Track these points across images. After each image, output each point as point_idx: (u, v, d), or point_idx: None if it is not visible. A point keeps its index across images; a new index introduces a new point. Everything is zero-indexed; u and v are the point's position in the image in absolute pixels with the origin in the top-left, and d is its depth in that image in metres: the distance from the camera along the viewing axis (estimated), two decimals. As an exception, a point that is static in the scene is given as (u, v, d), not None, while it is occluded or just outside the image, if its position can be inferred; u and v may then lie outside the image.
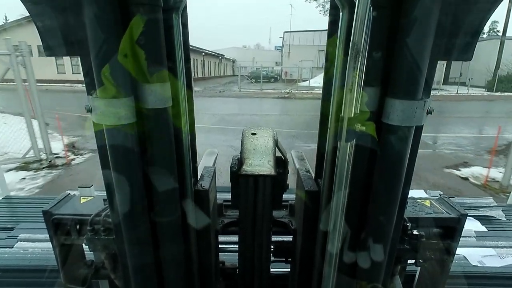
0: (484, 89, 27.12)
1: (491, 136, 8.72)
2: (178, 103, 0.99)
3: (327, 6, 30.93)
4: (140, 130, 0.88)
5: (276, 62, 41.41)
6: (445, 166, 6.66)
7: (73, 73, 27.14)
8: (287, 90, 22.14)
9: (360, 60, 0.72)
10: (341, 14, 0.89)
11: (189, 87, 1.11)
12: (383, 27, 0.80)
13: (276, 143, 1.36)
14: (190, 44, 1.13)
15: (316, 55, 34.09)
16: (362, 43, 0.71)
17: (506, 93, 24.00)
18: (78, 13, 0.75)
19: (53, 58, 25.48)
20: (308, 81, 26.25)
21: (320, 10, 33.82)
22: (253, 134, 1.39)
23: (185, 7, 1.00)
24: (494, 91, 24.74)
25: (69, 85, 24.77)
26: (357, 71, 0.73)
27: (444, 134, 9.59)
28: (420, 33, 0.74)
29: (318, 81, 26.87)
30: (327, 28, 1.06)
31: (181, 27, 0.97)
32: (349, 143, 0.83)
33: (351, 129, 0.79)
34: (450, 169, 6.50)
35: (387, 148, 0.87)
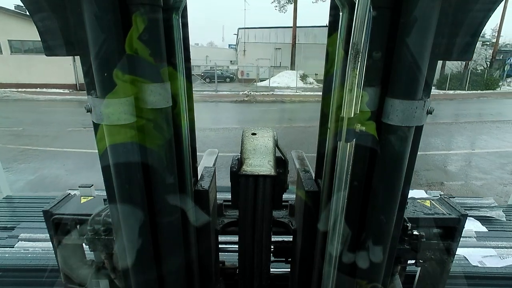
0: (434, 87, 27.28)
1: (506, 151, 7.68)
2: (178, 103, 0.99)
3: (283, 1, 29.56)
4: (140, 130, 0.88)
5: (231, 61, 38.79)
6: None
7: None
8: (246, 92, 19.31)
9: (360, 60, 0.72)
10: (341, 14, 0.89)
11: (189, 87, 1.11)
12: (383, 27, 0.80)
13: (276, 143, 1.36)
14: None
15: (273, 53, 31.84)
16: (362, 43, 0.71)
17: (458, 91, 23.94)
18: (78, 13, 0.75)
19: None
20: (267, 81, 23.26)
21: (276, 6, 30.86)
22: (253, 134, 1.39)
23: (185, 7, 1.00)
24: (447, 89, 24.66)
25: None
26: (357, 71, 0.73)
27: (453, 151, 7.90)
28: (420, 33, 0.74)
29: (277, 81, 24.98)
30: (327, 28, 1.06)
31: (181, 27, 0.97)
32: (349, 143, 0.83)
33: (351, 129, 0.79)
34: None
35: (387, 148, 0.87)
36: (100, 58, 0.76)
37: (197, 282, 1.28)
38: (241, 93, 19.59)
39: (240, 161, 1.24)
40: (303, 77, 26.23)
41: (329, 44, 1.04)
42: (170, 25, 0.91)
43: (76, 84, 20.18)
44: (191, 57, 1.12)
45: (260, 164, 1.21)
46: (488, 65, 27.02)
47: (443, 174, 6.10)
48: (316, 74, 27.44)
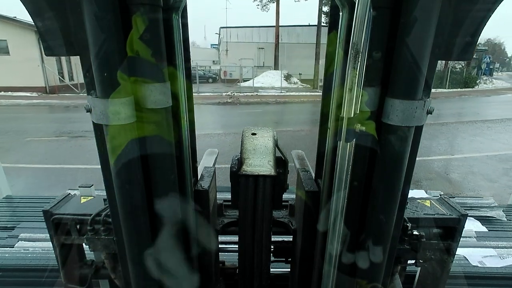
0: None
1: (505, 155, 7.37)
2: (178, 103, 0.99)
3: (265, 0, 28.57)
4: (140, 130, 0.88)
5: (214, 61, 37.88)
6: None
7: None
8: (229, 93, 18.53)
9: (360, 60, 0.72)
10: (341, 14, 0.89)
11: (189, 87, 1.12)
12: (383, 27, 0.80)
13: (276, 143, 1.36)
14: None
15: (256, 53, 31.17)
16: (362, 43, 0.71)
17: (440, 90, 23.80)
18: (78, 13, 0.75)
19: None
20: (251, 81, 22.58)
21: (258, 5, 29.91)
22: (253, 134, 1.39)
23: (185, 7, 1.00)
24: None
25: None
26: (357, 71, 0.73)
27: (451, 155, 7.39)
28: (420, 33, 0.74)
29: (261, 81, 24.65)
30: (327, 28, 1.06)
31: (181, 27, 0.97)
32: (349, 143, 0.83)
33: (351, 129, 0.79)
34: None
35: (387, 148, 0.87)
36: (100, 58, 0.76)
37: (197, 282, 1.28)
38: (224, 94, 18.73)
39: (240, 161, 1.24)
40: (287, 77, 25.92)
41: (329, 44, 1.04)
42: (170, 25, 0.91)
43: (46, 86, 18.77)
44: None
45: (260, 164, 1.21)
46: (466, 64, 27.78)
47: (447, 183, 5.82)
48: (300, 74, 27.13)
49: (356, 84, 0.74)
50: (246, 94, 19.30)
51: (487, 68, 31.78)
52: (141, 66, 0.82)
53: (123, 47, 0.79)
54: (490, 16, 0.77)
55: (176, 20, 0.94)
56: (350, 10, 0.83)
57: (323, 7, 25.90)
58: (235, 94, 18.65)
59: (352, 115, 0.77)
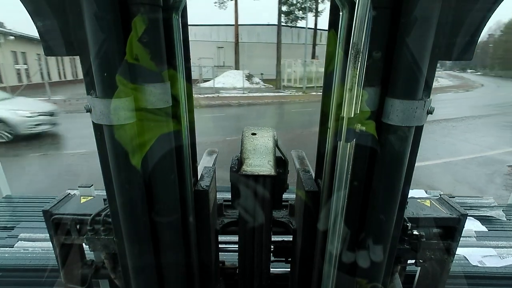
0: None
1: (482, 157, 7.21)
2: (178, 103, 0.99)
3: None
4: (140, 130, 0.88)
5: None
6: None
7: None
8: None
9: (360, 60, 0.72)
10: (341, 14, 0.89)
11: (189, 87, 1.12)
12: (383, 27, 0.80)
13: (276, 143, 1.36)
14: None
15: (216, 52, 30.07)
16: (362, 43, 0.71)
17: None
18: (78, 13, 0.75)
19: None
20: (212, 82, 21.76)
21: (215, 2, 28.53)
22: (253, 134, 1.39)
23: (185, 7, 1.00)
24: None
25: None
26: (357, 71, 0.73)
27: (430, 161, 7.00)
28: (420, 33, 0.74)
29: (222, 81, 23.90)
30: (327, 28, 1.06)
31: (181, 27, 0.97)
32: (349, 143, 0.83)
33: (351, 129, 0.79)
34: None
35: (387, 148, 0.87)
36: (100, 58, 0.76)
37: (197, 282, 1.28)
38: (182, 96, 17.80)
39: (240, 161, 1.24)
40: (249, 77, 25.46)
41: (329, 44, 1.04)
42: (170, 25, 0.91)
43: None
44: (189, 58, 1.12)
45: (260, 164, 1.21)
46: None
47: (435, 196, 5.59)
48: (262, 74, 26.74)
49: (356, 84, 0.74)
50: (206, 95, 18.21)
51: (431, 68, 33.85)
52: (141, 66, 0.82)
53: (123, 47, 0.79)
54: (490, 16, 0.77)
55: (176, 20, 0.93)
56: (350, 10, 0.83)
57: (282, 6, 25.43)
58: (195, 96, 17.18)
59: (352, 115, 0.77)
